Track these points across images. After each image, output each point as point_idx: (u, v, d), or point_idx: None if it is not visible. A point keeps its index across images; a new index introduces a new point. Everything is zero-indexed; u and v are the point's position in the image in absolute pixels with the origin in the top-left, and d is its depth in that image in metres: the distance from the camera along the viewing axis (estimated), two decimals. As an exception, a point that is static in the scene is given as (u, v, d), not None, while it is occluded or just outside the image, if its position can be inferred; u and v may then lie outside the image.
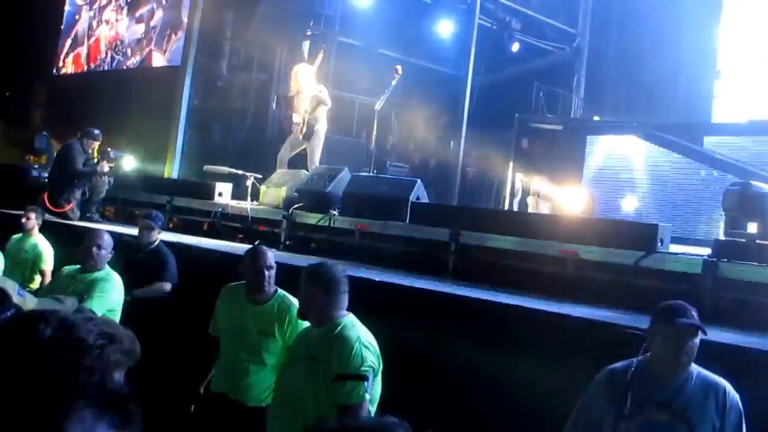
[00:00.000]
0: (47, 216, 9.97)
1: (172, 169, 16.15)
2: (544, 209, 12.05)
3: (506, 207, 13.93)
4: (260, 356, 5.46)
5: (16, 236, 9.31)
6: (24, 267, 9.00)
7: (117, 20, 22.02)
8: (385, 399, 4.77)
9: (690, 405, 4.07)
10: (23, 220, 9.32)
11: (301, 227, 10.04)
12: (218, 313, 5.85)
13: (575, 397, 4.56)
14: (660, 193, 12.45)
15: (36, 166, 17.13)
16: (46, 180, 12.78)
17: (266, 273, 5.56)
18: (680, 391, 4.09)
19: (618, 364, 4.31)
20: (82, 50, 23.39)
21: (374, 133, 11.75)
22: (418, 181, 9.74)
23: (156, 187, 12.69)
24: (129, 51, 21.23)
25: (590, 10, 19.73)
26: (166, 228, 9.80)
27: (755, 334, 5.69)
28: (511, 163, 14.33)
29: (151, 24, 20.46)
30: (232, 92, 17.70)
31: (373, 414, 4.69)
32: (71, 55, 23.85)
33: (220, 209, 11.17)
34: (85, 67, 23.20)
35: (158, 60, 19.82)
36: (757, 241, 6.60)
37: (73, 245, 8.15)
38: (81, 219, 11.74)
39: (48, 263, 9.20)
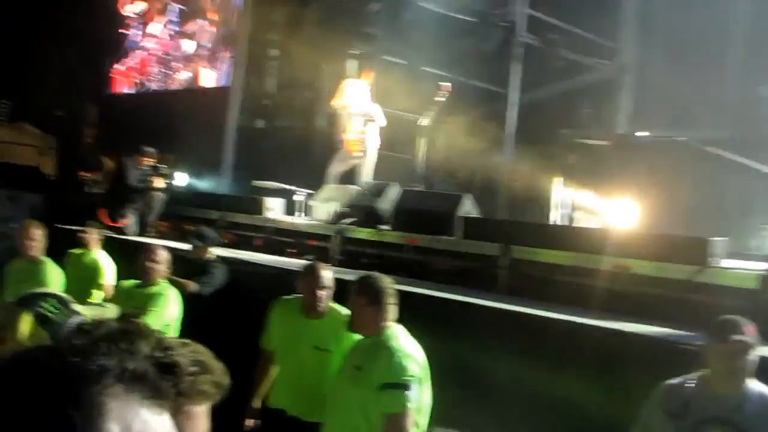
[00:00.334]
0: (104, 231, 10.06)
1: (221, 186, 16.25)
2: (593, 224, 11.94)
3: (554, 222, 13.81)
4: (318, 371, 5.40)
5: (76, 251, 9.39)
6: (84, 282, 9.05)
7: (166, 35, 22.26)
8: (436, 412, 4.75)
9: (750, 422, 4.00)
10: (83, 235, 9.41)
11: (352, 242, 10.01)
12: (272, 326, 5.83)
13: (628, 414, 4.51)
14: (711, 206, 12.30)
15: (89, 183, 17.32)
16: (103, 196, 12.89)
17: (319, 293, 5.50)
18: (740, 407, 4.02)
19: (676, 380, 4.26)
20: (133, 62, 23.65)
21: (421, 149, 11.74)
22: (468, 195, 9.72)
23: (208, 202, 12.77)
24: (178, 66, 21.46)
25: (634, 25, 19.60)
26: (218, 243, 9.85)
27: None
28: (557, 178, 14.22)
29: (201, 41, 20.68)
30: (280, 110, 17.80)
31: (420, 423, 4.70)
32: (122, 68, 24.11)
33: (270, 224, 11.21)
34: (136, 80, 23.45)
35: (206, 77, 20.04)
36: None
37: (130, 260, 8.22)
38: (136, 234, 11.83)
39: (107, 278, 9.26)
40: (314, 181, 12.70)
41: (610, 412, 5.27)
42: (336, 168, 12.08)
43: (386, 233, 9.52)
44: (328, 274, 5.60)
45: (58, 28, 21.89)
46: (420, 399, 4.64)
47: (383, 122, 11.93)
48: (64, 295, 2.78)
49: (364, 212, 10.15)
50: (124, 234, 11.78)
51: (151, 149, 12.24)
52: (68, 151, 22.35)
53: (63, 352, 1.16)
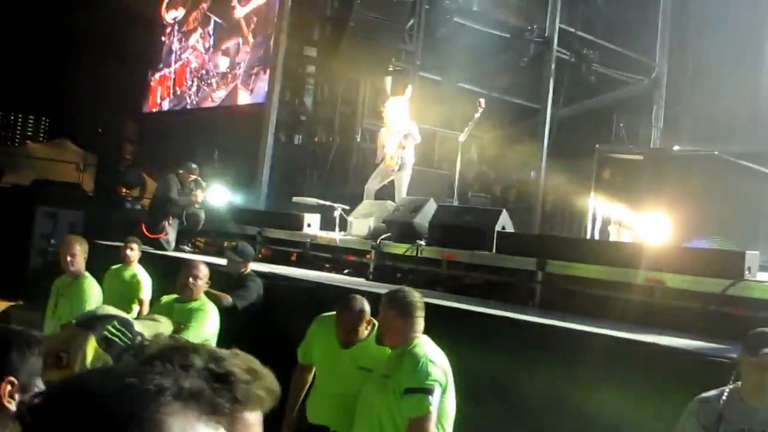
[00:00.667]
0: (143, 246, 10.19)
1: (259, 201, 16.38)
2: (627, 238, 11.93)
3: (588, 236, 13.80)
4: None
5: (115, 267, 9.53)
6: (123, 297, 9.19)
7: (204, 49, 22.47)
8: (470, 425, 4.82)
9: (784, 435, 4.03)
10: (125, 251, 9.55)
11: (389, 257, 10.07)
12: (311, 342, 5.89)
13: (663, 426, 4.55)
14: (745, 220, 12.24)
15: (129, 199, 17.52)
16: (145, 209, 13.04)
17: (347, 330, 5.57)
18: (772, 421, 4.05)
19: (710, 393, 4.28)
20: (170, 73, 23.88)
21: (458, 164, 11.80)
22: (503, 210, 9.72)
23: (246, 218, 12.87)
24: (214, 83, 21.66)
25: (668, 40, 19.57)
26: (256, 258, 9.95)
27: None
28: (592, 193, 14.21)
29: (237, 59, 20.86)
30: (317, 126, 17.94)
31: (446, 429, 4.79)
32: (158, 76, 24.33)
33: (309, 239, 11.29)
34: (171, 92, 23.67)
35: (243, 96, 20.20)
36: None
37: (168, 275, 8.35)
38: (174, 250, 11.97)
39: (146, 293, 9.39)
40: (351, 196, 12.79)
41: (644, 425, 5.31)
42: (373, 184, 12.16)
43: (422, 248, 9.57)
44: (360, 309, 5.61)
45: (98, 48, 22.17)
46: (444, 405, 4.74)
47: (418, 139, 12.00)
48: (125, 316, 2.86)
49: (400, 227, 10.20)
50: (162, 247, 11.93)
51: (194, 165, 12.39)
52: (108, 168, 22.60)
53: (120, 373, 1.23)
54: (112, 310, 2.85)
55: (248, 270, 8.57)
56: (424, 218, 10.04)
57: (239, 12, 20.70)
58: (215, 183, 13.86)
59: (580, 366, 5.96)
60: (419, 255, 9.53)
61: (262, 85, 18.96)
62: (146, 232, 12.02)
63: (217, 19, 21.99)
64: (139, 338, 2.73)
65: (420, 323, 4.99)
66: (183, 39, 23.52)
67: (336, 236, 10.98)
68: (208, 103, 21.71)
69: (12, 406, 2.65)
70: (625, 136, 17.67)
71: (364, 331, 5.56)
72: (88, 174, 23.30)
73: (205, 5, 22.63)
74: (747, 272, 6.88)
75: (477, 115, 11.39)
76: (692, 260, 7.36)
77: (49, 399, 1.22)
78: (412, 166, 12.09)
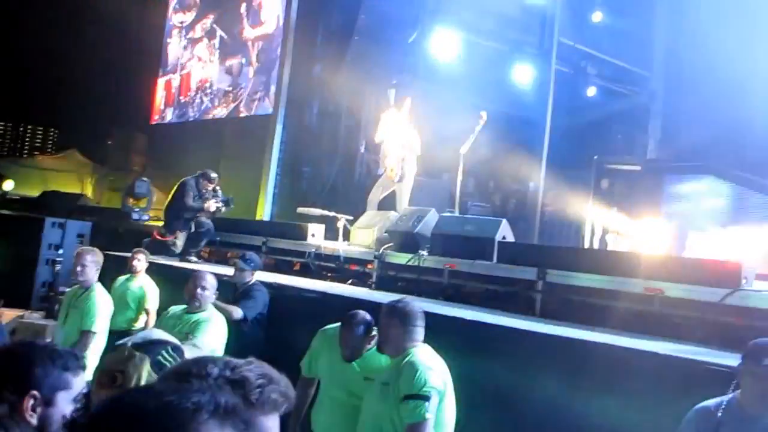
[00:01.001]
0: (150, 256, 10.16)
1: (264, 212, 16.38)
2: (625, 247, 11.92)
3: (587, 245, 13.79)
4: None
5: (122, 277, 9.54)
6: (130, 307, 9.22)
7: (208, 60, 22.49)
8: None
9: (782, 444, 4.01)
10: (132, 261, 9.55)
11: (392, 267, 10.03)
12: (315, 356, 5.87)
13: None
14: (742, 230, 12.23)
15: (136, 210, 17.51)
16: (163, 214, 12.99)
17: (352, 347, 5.55)
18: (771, 430, 4.03)
19: (709, 402, 4.25)
20: (174, 80, 23.88)
21: (460, 175, 11.78)
22: (504, 220, 9.70)
23: (252, 228, 12.85)
24: (216, 101, 21.68)
25: (664, 53, 19.60)
26: (261, 268, 9.93)
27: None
28: (590, 203, 14.21)
29: (239, 80, 20.89)
30: (322, 138, 17.95)
31: None
32: (163, 81, 24.33)
33: (313, 249, 11.28)
34: (175, 100, 23.67)
35: (245, 112, 20.25)
36: None
37: (175, 286, 8.34)
38: (181, 259, 11.94)
39: (153, 303, 9.40)
40: (355, 207, 12.78)
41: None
42: (375, 195, 12.15)
43: (425, 258, 9.55)
44: (362, 328, 5.58)
45: (107, 64, 22.23)
46: (442, 412, 4.75)
47: (419, 151, 11.99)
48: (177, 342, 2.86)
49: (402, 237, 10.19)
50: (169, 250, 11.91)
51: (214, 174, 12.34)
52: (116, 179, 22.63)
53: (160, 392, 1.24)
54: (165, 334, 2.84)
55: (254, 280, 8.54)
56: (426, 228, 10.03)
57: (248, 33, 20.72)
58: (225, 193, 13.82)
59: (580, 374, 5.94)
60: (421, 264, 9.50)
61: (264, 107, 19.01)
62: (157, 235, 12.06)
63: (223, 34, 22.02)
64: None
65: (420, 332, 5.03)
66: (189, 46, 23.53)
67: (339, 246, 10.96)
68: (210, 116, 21.76)
69: (34, 420, 2.67)
70: (622, 147, 17.71)
71: (367, 345, 5.54)
72: (96, 185, 23.35)
73: (212, 16, 22.66)
74: (744, 281, 6.86)
75: (479, 127, 11.38)
76: (690, 270, 7.34)
77: (94, 418, 1.26)
78: (414, 176, 12.07)
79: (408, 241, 10.02)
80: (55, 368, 2.76)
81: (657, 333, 6.79)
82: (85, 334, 7.20)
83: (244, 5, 20.69)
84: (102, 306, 7.41)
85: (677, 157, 16.66)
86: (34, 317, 12.16)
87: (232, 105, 20.96)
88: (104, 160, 25.60)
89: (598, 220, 13.98)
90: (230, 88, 21.28)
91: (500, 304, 8.54)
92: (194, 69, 23.10)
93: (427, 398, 4.66)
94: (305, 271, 11.32)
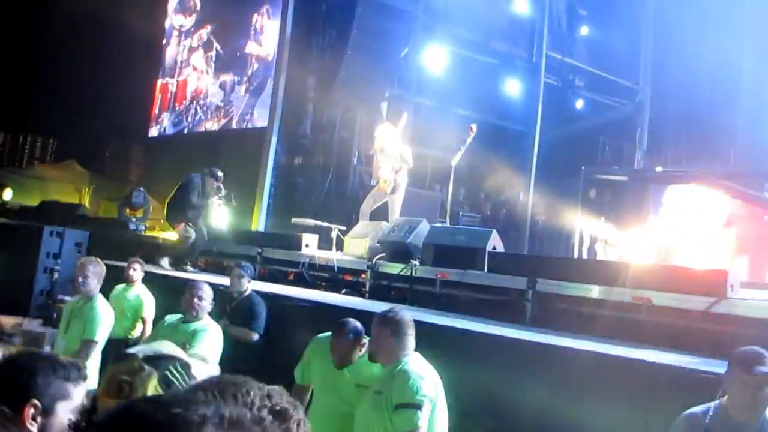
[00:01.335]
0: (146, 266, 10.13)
1: (258, 222, 16.35)
2: (613, 256, 11.95)
3: (575, 255, 13.83)
4: None
5: (119, 286, 9.49)
6: (126, 316, 9.17)
7: (204, 72, 22.47)
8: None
9: (767, 450, 4.01)
10: (128, 270, 9.52)
11: (384, 276, 10.00)
12: (309, 363, 5.85)
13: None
14: (726, 239, 12.27)
15: (133, 220, 17.47)
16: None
17: (342, 353, 5.53)
18: (758, 435, 4.04)
19: (696, 409, 4.26)
20: (171, 84, 23.84)
21: (450, 186, 11.79)
22: (494, 231, 9.71)
23: (247, 239, 12.83)
24: (209, 113, 21.68)
25: (650, 66, 19.70)
26: (256, 277, 9.93)
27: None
28: (579, 213, 14.27)
29: (231, 97, 20.89)
30: (316, 149, 17.94)
31: None
32: (159, 83, 24.28)
33: (307, 260, 11.26)
34: (170, 106, 23.65)
35: (239, 125, 20.29)
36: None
37: (171, 295, 8.32)
38: (176, 270, 11.90)
39: (149, 312, 9.37)
40: (348, 218, 12.78)
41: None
42: (367, 206, 12.15)
43: (417, 267, 9.54)
44: (351, 337, 5.56)
45: (105, 75, 22.17)
46: (434, 420, 4.75)
47: (411, 164, 12.01)
48: (186, 359, 2.85)
49: (395, 248, 10.18)
50: (183, 238, 11.91)
51: (220, 173, 12.31)
52: (113, 189, 22.58)
53: (167, 403, 1.24)
54: (175, 349, 2.82)
55: (250, 289, 8.54)
56: (417, 238, 10.02)
57: (251, 48, 20.69)
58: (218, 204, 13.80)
59: (570, 382, 5.94)
60: (414, 274, 9.49)
61: (261, 112, 19.04)
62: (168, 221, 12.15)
63: (219, 48, 22.02)
64: (194, 382, 2.70)
65: (411, 341, 5.02)
66: (186, 53, 23.49)
67: (333, 256, 10.95)
68: (203, 128, 21.78)
69: (34, 429, 2.68)
70: (610, 158, 17.78)
71: (358, 352, 5.52)
72: (94, 195, 23.30)
73: (209, 27, 22.64)
74: (730, 290, 6.87)
75: (469, 139, 11.40)
76: (677, 278, 7.36)
77: (102, 428, 1.27)
78: (405, 187, 12.09)
79: (400, 251, 10.01)
80: (55, 378, 2.77)
81: (645, 341, 6.78)
82: (87, 343, 7.18)
83: (256, 16, 20.64)
84: (105, 316, 7.40)
85: (663, 167, 16.73)
86: (33, 325, 12.11)
87: (224, 120, 20.97)
88: (102, 170, 25.55)
89: (586, 229, 14.03)
90: (222, 104, 21.30)
91: (491, 312, 8.54)
92: (190, 78, 23.08)
93: (419, 407, 4.66)
94: (300, 281, 11.30)
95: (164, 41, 24.60)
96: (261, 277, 11.51)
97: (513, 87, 18.39)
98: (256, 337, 8.03)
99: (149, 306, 9.41)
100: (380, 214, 12.23)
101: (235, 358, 6.66)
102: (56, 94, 22.98)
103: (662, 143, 18.85)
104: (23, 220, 16.67)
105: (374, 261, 10.07)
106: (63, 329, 7.56)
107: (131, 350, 2.76)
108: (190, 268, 12.06)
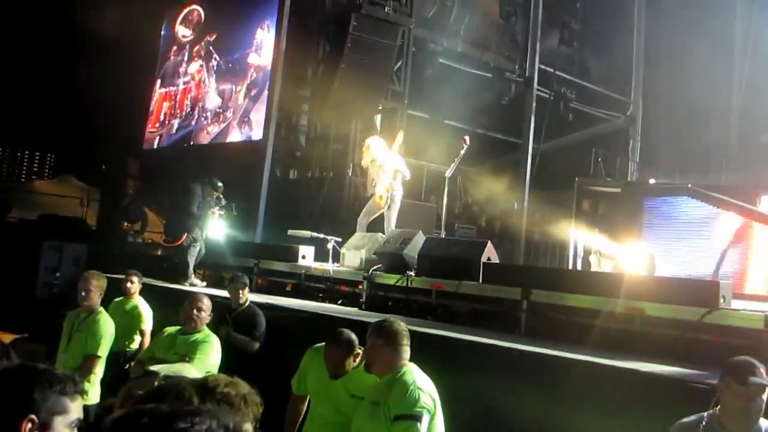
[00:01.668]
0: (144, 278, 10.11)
1: (255, 234, 16.34)
2: (606, 268, 11.94)
3: (569, 266, 13.83)
4: None
5: (117, 299, 9.48)
6: (125, 328, 9.14)
7: (203, 82, 22.46)
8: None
9: (761, 459, 4.01)
10: (126, 283, 9.52)
11: (381, 287, 10.01)
12: (305, 373, 5.83)
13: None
14: (719, 250, 12.27)
15: (131, 233, 17.47)
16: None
17: (335, 363, 5.52)
18: (751, 445, 4.03)
19: (689, 418, 4.25)
20: (170, 94, 23.82)
21: (445, 198, 11.79)
22: (488, 242, 9.71)
23: (244, 251, 12.81)
24: (210, 118, 21.67)
25: (642, 79, 19.77)
26: (253, 289, 9.93)
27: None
28: (572, 224, 14.26)
29: (229, 104, 20.90)
30: (311, 161, 17.97)
31: None
32: (163, 91, 24.25)
33: (304, 271, 11.26)
34: (172, 112, 23.61)
35: (235, 134, 20.25)
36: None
37: (169, 307, 8.32)
38: (176, 282, 11.88)
39: (147, 324, 9.37)
40: (344, 229, 12.77)
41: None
42: (364, 217, 12.15)
43: (412, 279, 9.54)
44: (348, 348, 5.55)
45: (102, 89, 22.16)
46: (433, 430, 4.73)
47: (408, 176, 12.01)
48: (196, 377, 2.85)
49: (391, 259, 10.17)
50: (185, 253, 11.88)
51: (219, 183, 12.30)
52: (111, 203, 22.56)
53: (171, 416, 1.24)
54: (197, 374, 2.81)
55: (248, 300, 8.55)
56: (413, 250, 10.01)
57: (252, 59, 20.70)
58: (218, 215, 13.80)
59: (564, 392, 5.94)
60: (410, 285, 9.49)
61: (256, 128, 19.04)
62: (164, 243, 12.01)
63: (217, 58, 22.02)
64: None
65: (406, 351, 4.99)
66: (186, 63, 23.49)
67: (329, 267, 10.94)
68: (204, 135, 21.72)
69: None
70: (603, 170, 17.82)
71: (352, 362, 5.51)
72: (91, 209, 23.28)
73: (208, 38, 22.65)
74: (722, 301, 6.87)
75: (462, 152, 11.40)
76: (670, 290, 7.36)
77: None
78: (401, 198, 12.09)
79: (396, 263, 10.00)
80: (53, 392, 2.74)
81: (638, 351, 6.79)
82: (90, 358, 7.18)
83: (259, 30, 20.65)
84: (107, 330, 7.40)
85: (655, 179, 16.78)
86: (31, 339, 12.09)
87: (223, 124, 20.95)
88: (99, 184, 25.53)
89: (580, 241, 14.02)
90: (220, 110, 21.28)
91: (486, 323, 8.55)
92: (189, 87, 23.08)
93: (418, 418, 4.62)
94: (297, 292, 11.29)
95: (163, 52, 24.58)
96: (259, 289, 11.52)
97: (506, 100, 18.45)
98: (257, 346, 8.09)
99: (147, 318, 9.41)
100: (376, 225, 12.23)
101: (233, 368, 6.63)
102: (54, 110, 22.96)
103: (655, 155, 18.91)
104: (22, 234, 16.66)
105: (370, 272, 10.06)
106: (64, 343, 7.54)
107: (154, 368, 2.75)
108: (198, 281, 12.03)
